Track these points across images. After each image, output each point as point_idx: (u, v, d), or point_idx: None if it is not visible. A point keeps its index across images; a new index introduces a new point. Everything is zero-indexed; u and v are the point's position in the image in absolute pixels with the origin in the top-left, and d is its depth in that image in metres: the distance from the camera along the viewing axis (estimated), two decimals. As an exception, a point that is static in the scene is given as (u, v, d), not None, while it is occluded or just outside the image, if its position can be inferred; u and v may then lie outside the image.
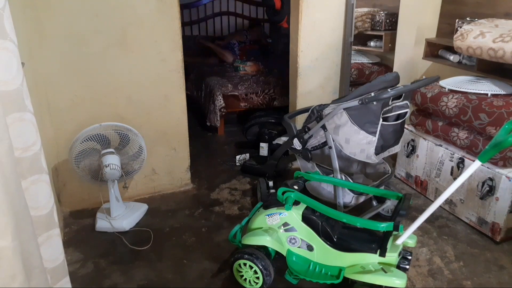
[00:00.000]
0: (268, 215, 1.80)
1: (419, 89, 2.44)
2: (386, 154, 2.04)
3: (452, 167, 2.31)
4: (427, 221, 2.01)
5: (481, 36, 2.16)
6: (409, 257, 1.65)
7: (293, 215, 1.76)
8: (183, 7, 4.88)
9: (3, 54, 1.05)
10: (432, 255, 2.04)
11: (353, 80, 2.95)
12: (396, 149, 2.10)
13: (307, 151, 2.17)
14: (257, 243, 1.74)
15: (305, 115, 2.18)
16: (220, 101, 3.58)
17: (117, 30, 2.21)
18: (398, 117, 2.00)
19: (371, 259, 1.63)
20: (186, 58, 2.60)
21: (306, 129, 2.13)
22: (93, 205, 2.45)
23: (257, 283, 1.78)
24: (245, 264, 1.76)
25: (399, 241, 1.60)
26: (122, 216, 2.28)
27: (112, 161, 2.06)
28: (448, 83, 2.40)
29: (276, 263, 1.82)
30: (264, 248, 1.78)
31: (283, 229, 1.78)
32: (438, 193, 2.45)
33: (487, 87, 2.23)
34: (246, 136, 3.39)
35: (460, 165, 2.26)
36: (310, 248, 1.76)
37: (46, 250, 1.31)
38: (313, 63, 2.77)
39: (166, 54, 2.36)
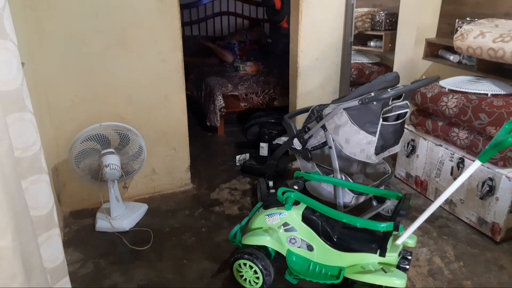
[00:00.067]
0: (268, 215, 1.80)
1: (419, 89, 2.44)
2: (386, 154, 2.04)
3: (452, 167, 2.31)
4: (427, 221, 2.01)
5: (481, 36, 2.16)
6: (409, 257, 1.65)
7: (293, 215, 1.76)
8: (183, 7, 4.88)
9: (3, 54, 1.05)
10: (432, 255, 2.04)
11: (353, 80, 2.95)
12: (396, 149, 2.10)
13: (307, 151, 2.17)
14: (257, 243, 1.74)
15: (305, 115, 2.18)
16: (220, 101, 3.58)
17: (117, 30, 2.21)
18: (398, 117, 2.00)
19: (371, 259, 1.63)
20: (186, 58, 2.60)
21: (306, 129, 2.13)
22: (93, 205, 2.45)
23: (257, 283, 1.78)
24: (245, 264, 1.76)
25: (399, 241, 1.60)
26: (122, 216, 2.28)
27: (112, 161, 2.06)
28: (448, 83, 2.40)
29: (276, 263, 1.82)
30: (264, 248, 1.78)
31: (283, 229, 1.78)
32: (438, 193, 2.45)
33: (487, 87, 2.23)
34: (246, 136, 3.39)
35: (460, 165, 2.26)
36: (310, 248, 1.76)
37: (46, 250, 1.31)
38: (313, 63, 2.77)
39: (166, 54, 2.36)
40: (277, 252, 1.80)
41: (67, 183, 2.39)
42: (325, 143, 2.11)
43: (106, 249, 2.10)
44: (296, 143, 2.19)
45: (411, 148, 2.60)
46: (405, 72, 2.86)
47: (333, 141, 2.01)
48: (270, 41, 5.17)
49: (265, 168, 2.57)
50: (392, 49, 2.88)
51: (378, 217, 2.21)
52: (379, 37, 2.96)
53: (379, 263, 1.62)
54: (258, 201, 2.47)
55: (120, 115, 2.35)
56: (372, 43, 3.01)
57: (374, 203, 2.26)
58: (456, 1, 2.69)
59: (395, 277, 1.52)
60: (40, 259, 1.19)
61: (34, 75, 2.08)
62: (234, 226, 1.88)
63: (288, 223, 1.76)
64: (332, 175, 2.07)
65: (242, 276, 1.80)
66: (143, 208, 2.44)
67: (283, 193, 1.77)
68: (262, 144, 2.98)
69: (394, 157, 2.77)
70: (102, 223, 2.25)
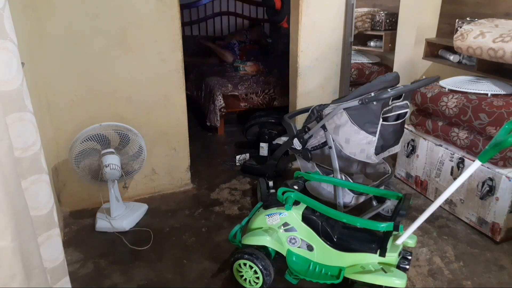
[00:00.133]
0: (268, 215, 1.80)
1: (419, 89, 2.44)
2: (386, 154, 2.04)
3: (452, 167, 2.31)
4: (427, 221, 2.01)
5: (481, 36, 2.16)
6: (409, 257, 1.65)
7: (293, 215, 1.76)
8: (183, 7, 4.87)
9: (3, 54, 1.05)
10: (432, 255, 2.04)
11: (353, 80, 2.95)
12: (396, 149, 2.10)
13: (307, 151, 2.17)
14: (257, 243, 1.74)
15: (305, 115, 2.18)
16: (220, 101, 3.58)
17: (117, 30, 2.21)
18: (398, 117, 2.00)
19: (371, 259, 1.63)
20: (186, 58, 2.60)
21: (306, 129, 2.13)
22: (93, 205, 2.45)
23: (257, 283, 1.78)
24: (245, 264, 1.76)
25: (399, 241, 1.60)
26: (122, 216, 2.28)
27: (112, 161, 2.06)
28: (448, 83, 2.40)
29: (276, 263, 1.82)
30: (264, 248, 1.78)
31: (283, 229, 1.78)
32: (438, 193, 2.45)
33: (487, 87, 2.23)
34: (246, 136, 3.39)
35: (460, 165, 2.26)
36: (310, 248, 1.76)
37: (46, 250, 1.31)
38: (313, 63, 2.77)
39: (166, 54, 2.36)
40: (277, 252, 1.80)
41: (67, 183, 2.39)
42: (325, 143, 2.11)
43: (106, 249, 2.10)
44: (296, 143, 2.19)
45: (411, 148, 2.60)
46: (405, 72, 2.86)
47: (333, 141, 2.01)
48: (270, 41, 5.17)
49: (265, 168, 2.57)
50: (392, 49, 2.88)
51: (378, 217, 2.21)
52: (379, 37, 2.96)
53: (379, 263, 1.62)
54: (258, 201, 2.47)
55: (120, 115, 2.35)
56: (372, 43, 3.02)
57: (374, 203, 2.26)
58: (456, 1, 2.69)
59: (395, 277, 1.52)
60: (40, 259, 1.19)
61: (34, 75, 2.08)
62: (234, 226, 1.88)
63: (288, 223, 1.76)
64: (332, 175, 2.07)
65: (242, 276, 1.80)
66: (143, 208, 2.44)
67: (283, 193, 1.77)
68: (262, 144, 2.98)
69: (394, 157, 2.77)
70: (102, 223, 2.25)
